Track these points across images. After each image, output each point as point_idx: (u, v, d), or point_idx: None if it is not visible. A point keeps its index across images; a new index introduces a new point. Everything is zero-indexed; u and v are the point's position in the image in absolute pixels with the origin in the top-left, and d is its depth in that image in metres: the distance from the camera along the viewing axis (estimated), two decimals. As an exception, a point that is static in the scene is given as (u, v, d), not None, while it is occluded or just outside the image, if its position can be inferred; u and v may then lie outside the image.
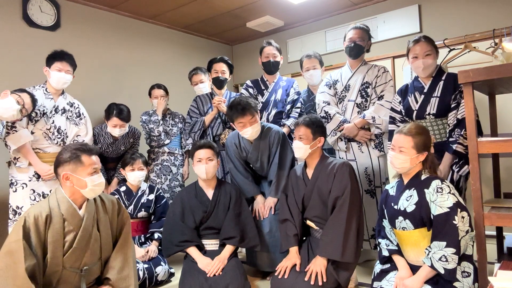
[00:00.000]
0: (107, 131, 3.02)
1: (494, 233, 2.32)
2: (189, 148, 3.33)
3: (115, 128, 2.94)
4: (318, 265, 2.04)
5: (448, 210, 1.68)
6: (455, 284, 1.66)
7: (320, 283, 1.98)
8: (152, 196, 2.86)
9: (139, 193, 2.84)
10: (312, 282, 1.99)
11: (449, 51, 3.13)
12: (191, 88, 3.47)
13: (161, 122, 3.32)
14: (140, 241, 2.74)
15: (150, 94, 3.50)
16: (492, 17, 3.33)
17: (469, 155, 1.78)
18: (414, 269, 1.80)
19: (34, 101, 2.46)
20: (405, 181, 1.90)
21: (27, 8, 3.26)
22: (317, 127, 2.25)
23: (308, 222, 2.28)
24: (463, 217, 1.68)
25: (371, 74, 2.68)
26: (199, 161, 2.47)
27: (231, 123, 2.80)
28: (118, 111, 2.93)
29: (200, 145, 2.52)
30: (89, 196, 1.81)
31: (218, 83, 3.16)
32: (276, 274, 2.14)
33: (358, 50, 2.70)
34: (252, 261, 2.66)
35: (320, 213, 2.21)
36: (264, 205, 2.61)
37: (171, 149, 3.43)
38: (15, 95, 2.35)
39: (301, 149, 2.23)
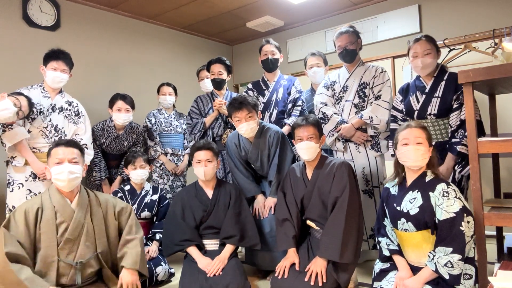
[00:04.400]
0: (112, 125, 3.08)
1: (494, 233, 2.32)
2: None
3: (120, 113, 3.02)
4: (318, 266, 2.03)
5: (455, 215, 1.66)
6: (457, 286, 1.65)
7: (320, 284, 1.98)
8: (155, 197, 2.86)
9: (143, 193, 2.84)
10: (312, 283, 1.99)
11: (449, 51, 3.12)
12: (192, 88, 3.48)
13: (159, 144, 3.37)
14: (142, 241, 2.74)
15: (158, 91, 3.53)
16: (492, 17, 3.33)
17: (469, 155, 1.78)
18: (414, 269, 1.80)
19: (31, 104, 2.48)
20: (409, 182, 1.87)
21: (27, 8, 3.27)
22: (321, 126, 2.32)
23: (308, 222, 2.28)
24: (468, 222, 1.66)
25: (369, 75, 2.68)
26: (198, 162, 2.47)
27: (229, 119, 2.80)
28: (122, 95, 3.08)
29: (199, 147, 2.50)
30: (61, 187, 1.87)
31: (216, 84, 3.17)
32: (276, 275, 2.13)
33: (350, 55, 2.69)
34: (252, 261, 2.65)
35: (321, 214, 2.20)
36: (264, 204, 2.61)
37: (174, 150, 3.44)
38: (12, 97, 2.36)
39: (312, 148, 2.20)
